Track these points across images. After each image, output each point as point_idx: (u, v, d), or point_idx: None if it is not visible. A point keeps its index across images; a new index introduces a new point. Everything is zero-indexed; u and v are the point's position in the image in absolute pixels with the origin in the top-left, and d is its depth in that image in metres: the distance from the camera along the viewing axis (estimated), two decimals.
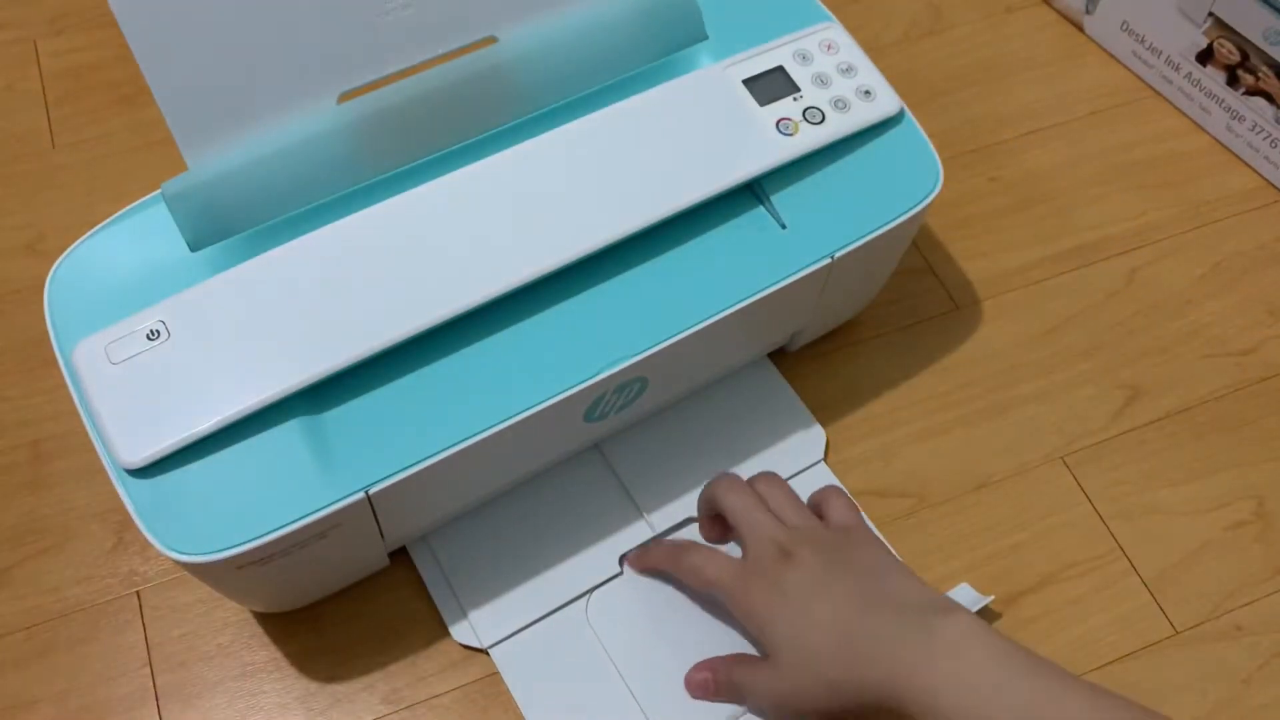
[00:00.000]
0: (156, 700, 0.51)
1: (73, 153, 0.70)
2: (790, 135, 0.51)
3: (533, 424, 0.46)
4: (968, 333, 0.64)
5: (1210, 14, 0.69)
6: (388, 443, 0.45)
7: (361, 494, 0.44)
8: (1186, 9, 0.70)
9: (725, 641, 0.52)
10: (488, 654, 0.52)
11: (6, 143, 0.70)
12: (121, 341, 0.44)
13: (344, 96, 0.48)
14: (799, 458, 0.58)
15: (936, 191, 0.52)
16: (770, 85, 0.52)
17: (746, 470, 0.56)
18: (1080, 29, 0.79)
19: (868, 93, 0.53)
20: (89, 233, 0.48)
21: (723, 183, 0.50)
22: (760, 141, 0.51)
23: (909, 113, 0.54)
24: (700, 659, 0.51)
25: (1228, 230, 0.69)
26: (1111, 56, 0.78)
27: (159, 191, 0.46)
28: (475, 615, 0.52)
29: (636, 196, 0.49)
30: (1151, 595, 0.55)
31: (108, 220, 0.48)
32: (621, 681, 0.51)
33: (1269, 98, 0.68)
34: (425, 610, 0.54)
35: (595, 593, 0.53)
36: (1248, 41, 0.67)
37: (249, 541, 0.42)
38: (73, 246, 0.48)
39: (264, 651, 0.53)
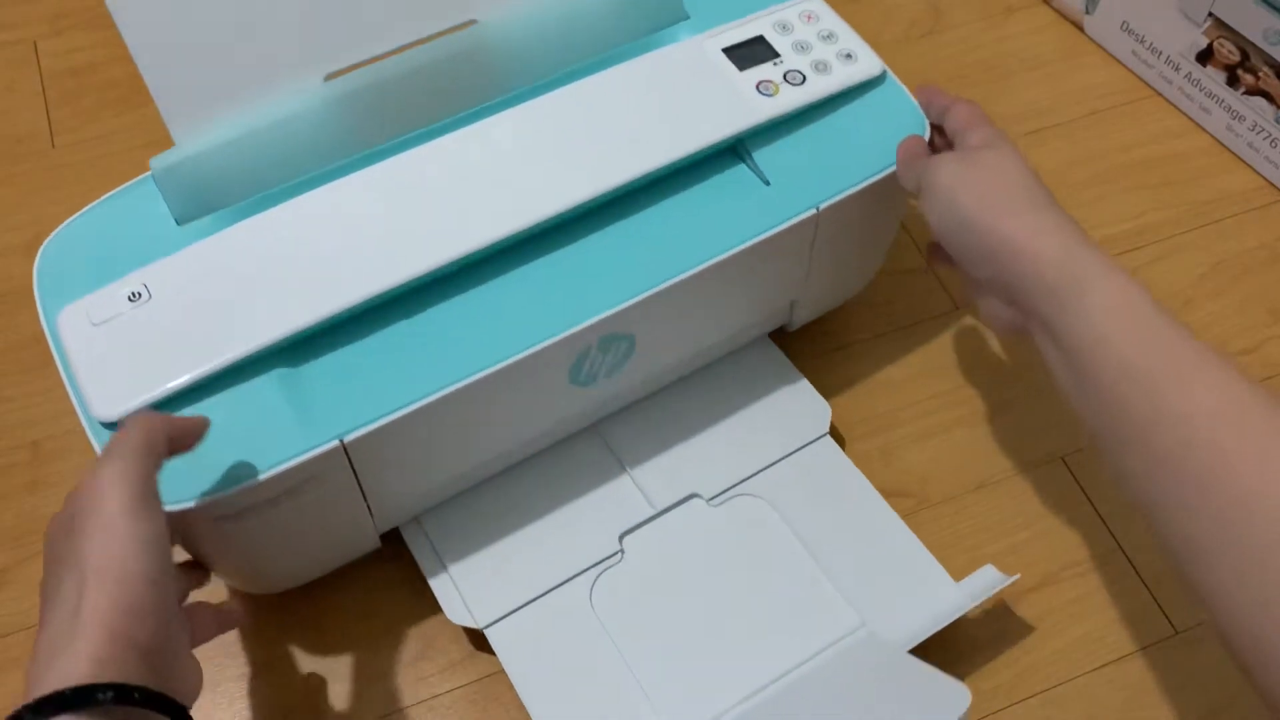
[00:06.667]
0: None
1: (73, 153, 0.70)
2: (771, 96, 0.51)
3: (513, 377, 0.46)
4: (968, 333, 0.64)
5: (1210, 14, 0.69)
6: (364, 394, 0.45)
7: (336, 442, 0.44)
8: (1186, 9, 0.70)
9: (730, 623, 0.51)
10: (484, 635, 0.51)
11: (6, 143, 0.70)
12: (103, 304, 0.45)
13: (329, 77, 0.49)
14: (803, 432, 0.57)
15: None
16: (750, 52, 0.53)
17: (749, 447, 0.56)
18: (1080, 29, 0.79)
19: (849, 56, 0.54)
20: (78, 212, 0.48)
21: (702, 140, 0.50)
22: (740, 102, 0.51)
23: (892, 74, 0.54)
24: (703, 641, 0.51)
25: (1228, 230, 0.69)
26: (1111, 56, 0.78)
27: (148, 174, 0.47)
28: (470, 594, 0.52)
29: (614, 156, 0.49)
30: (1151, 595, 0.55)
31: (98, 200, 0.49)
32: (622, 661, 0.50)
33: (1269, 98, 0.68)
34: (426, 611, 0.54)
35: (600, 575, 0.52)
36: (1248, 41, 0.67)
37: (222, 490, 0.42)
38: (62, 225, 0.48)
39: (264, 651, 0.53)
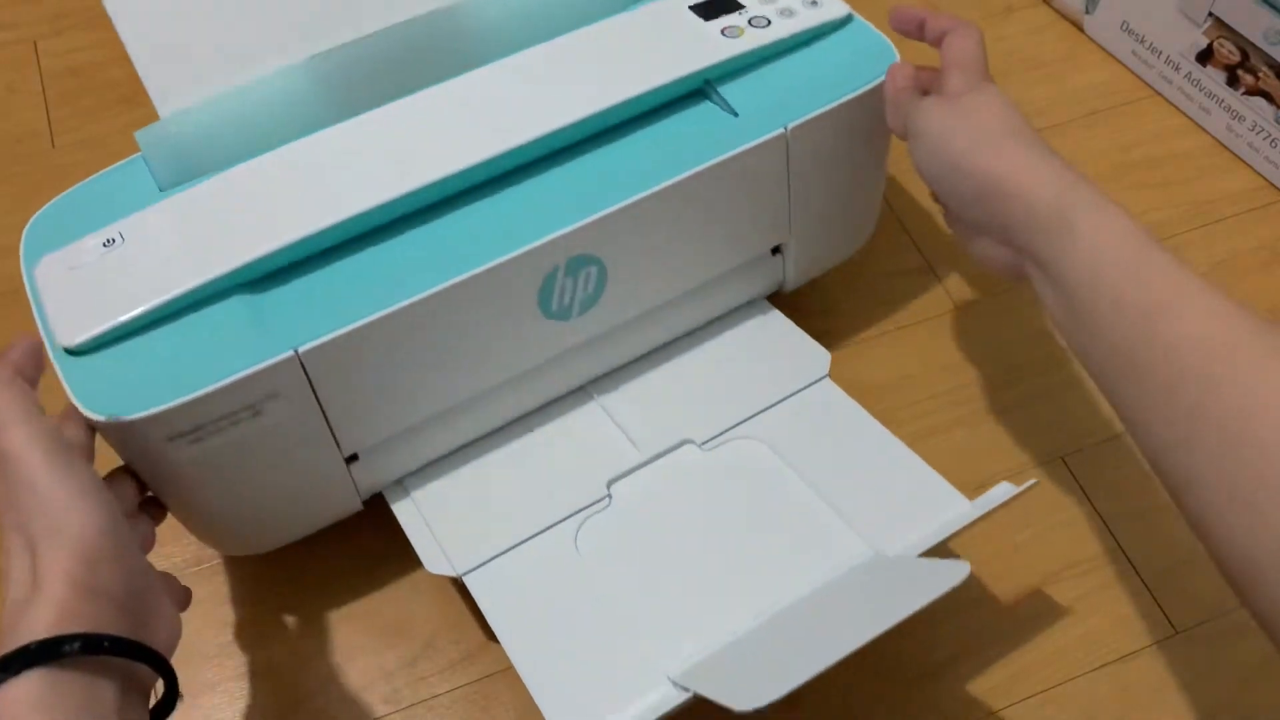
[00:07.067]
0: None
1: (73, 153, 0.70)
2: (736, 38, 0.53)
3: (474, 295, 0.47)
4: (968, 333, 0.64)
5: (1210, 14, 0.69)
6: (323, 311, 0.45)
7: (290, 352, 0.44)
8: (1186, 9, 0.70)
9: (727, 562, 0.49)
10: (463, 581, 0.49)
11: (6, 143, 0.70)
12: (79, 252, 0.46)
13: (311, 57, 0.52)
14: (801, 375, 0.56)
15: None
16: (716, 5, 0.55)
17: (744, 393, 0.55)
18: (1080, 29, 0.79)
19: (813, 2, 0.55)
20: (67, 190, 0.50)
21: (667, 76, 0.51)
22: (705, 44, 0.53)
23: (859, 16, 0.56)
24: (698, 580, 0.49)
25: (1228, 230, 0.69)
26: (1111, 56, 0.78)
27: (135, 156, 0.50)
28: (449, 542, 0.50)
29: (576, 95, 0.50)
30: (1151, 595, 0.55)
31: (87, 179, 0.50)
32: (610, 602, 0.48)
33: (1269, 98, 0.68)
34: (425, 611, 0.54)
35: (586, 521, 0.51)
36: (1248, 41, 0.67)
37: (173, 400, 0.42)
38: (51, 201, 0.49)
39: (264, 652, 0.53)
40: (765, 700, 0.38)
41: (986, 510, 0.49)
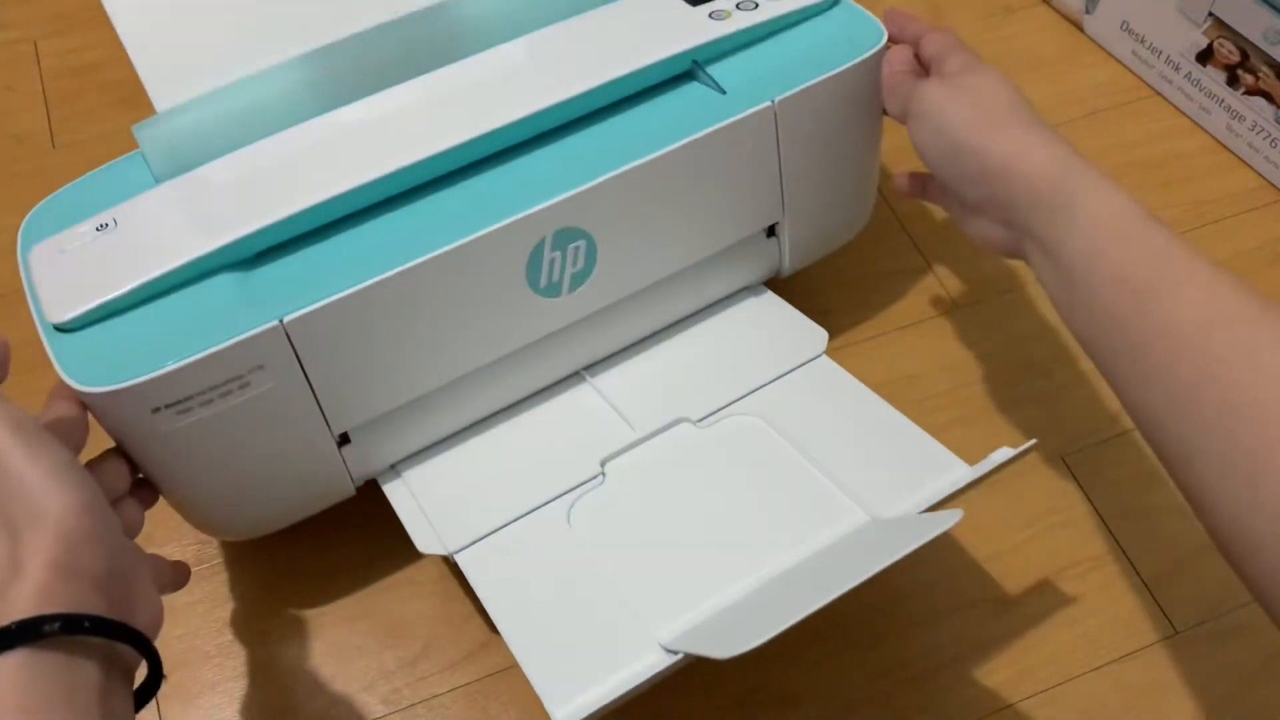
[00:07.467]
0: (156, 700, 0.51)
1: (73, 153, 0.70)
2: (723, 20, 0.54)
3: (459, 267, 0.47)
4: (968, 332, 0.64)
5: (1210, 14, 0.69)
6: (308, 285, 0.45)
7: (275, 322, 0.44)
8: (1186, 9, 0.70)
9: (724, 534, 0.49)
10: (454, 560, 0.49)
11: (6, 143, 0.71)
12: (73, 237, 0.47)
13: None
14: (799, 353, 0.56)
15: (880, 45, 0.54)
16: None
17: (741, 371, 0.55)
18: (1080, 29, 0.79)
19: None
20: (63, 187, 0.50)
21: (654, 55, 0.52)
22: (691, 26, 0.53)
23: None
24: (694, 553, 0.48)
25: (1228, 230, 0.69)
26: (1111, 56, 0.78)
27: (132, 153, 0.51)
28: (440, 521, 0.50)
29: (562, 77, 0.51)
30: (1151, 595, 0.55)
31: (84, 175, 0.51)
32: (603, 576, 0.48)
33: (1269, 98, 0.68)
34: (425, 611, 0.54)
35: (580, 498, 0.51)
36: (1248, 41, 0.67)
37: (157, 369, 0.42)
38: (50, 195, 0.50)
39: (264, 652, 0.53)
40: (749, 645, 0.37)
41: (986, 471, 0.48)
